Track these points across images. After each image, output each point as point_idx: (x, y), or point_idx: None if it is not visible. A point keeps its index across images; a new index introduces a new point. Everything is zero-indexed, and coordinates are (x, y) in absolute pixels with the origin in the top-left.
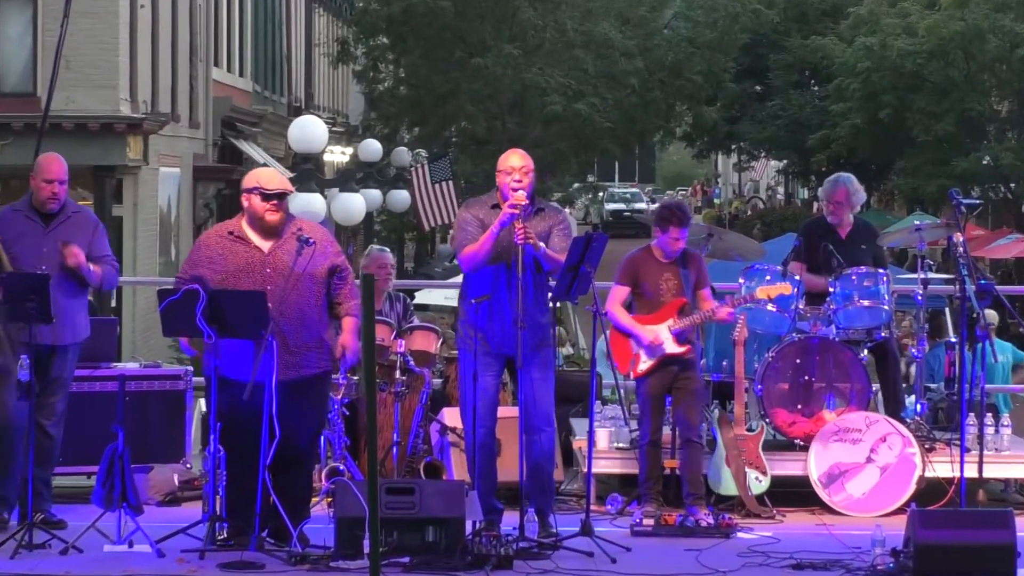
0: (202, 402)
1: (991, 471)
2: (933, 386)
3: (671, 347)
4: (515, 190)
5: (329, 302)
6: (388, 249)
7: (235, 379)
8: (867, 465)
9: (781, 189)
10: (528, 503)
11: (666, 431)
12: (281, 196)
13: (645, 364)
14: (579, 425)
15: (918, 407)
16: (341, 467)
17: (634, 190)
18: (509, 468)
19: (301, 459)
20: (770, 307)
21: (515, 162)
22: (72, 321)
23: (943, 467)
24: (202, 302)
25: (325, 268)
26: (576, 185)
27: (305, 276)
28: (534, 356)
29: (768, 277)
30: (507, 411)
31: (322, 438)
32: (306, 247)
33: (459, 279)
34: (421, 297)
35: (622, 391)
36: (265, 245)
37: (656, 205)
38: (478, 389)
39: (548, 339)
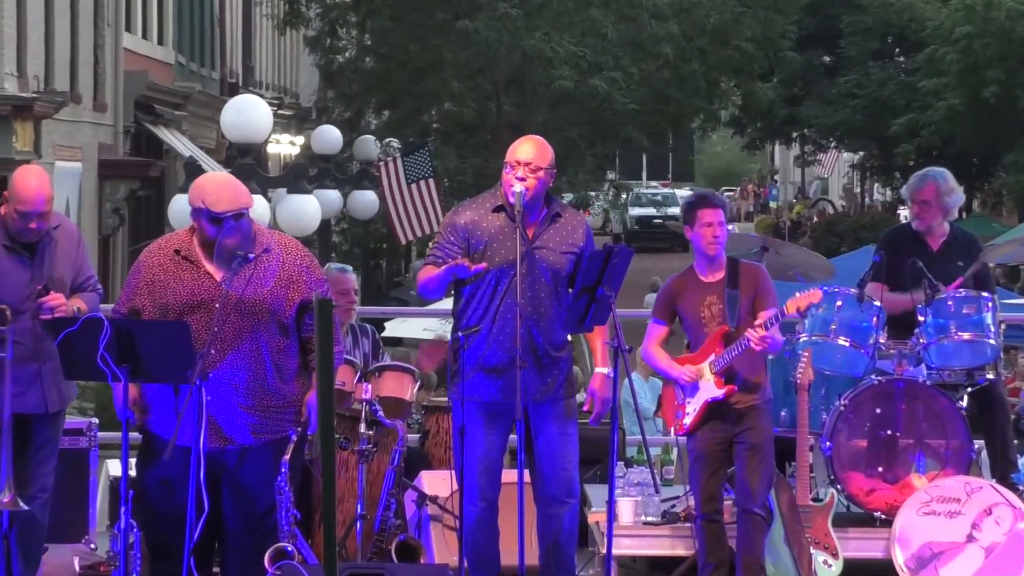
0: (111, 464)
1: None
2: None
3: (711, 390)
4: (518, 183)
5: (301, 345)
6: (350, 268)
7: (161, 434)
8: (968, 545)
9: (857, 189)
10: None
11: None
12: (237, 216)
13: (689, 416)
14: (596, 494)
15: None
16: (290, 548)
17: (667, 191)
18: (508, 549)
19: (260, 525)
20: (842, 341)
21: (523, 154)
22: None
23: None
24: (106, 334)
25: (292, 300)
26: (596, 187)
27: (262, 310)
28: (550, 405)
29: (840, 302)
30: (507, 475)
31: None
32: (244, 264)
33: (441, 304)
34: (392, 328)
35: (651, 450)
36: (219, 272)
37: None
38: (477, 450)
39: (569, 381)
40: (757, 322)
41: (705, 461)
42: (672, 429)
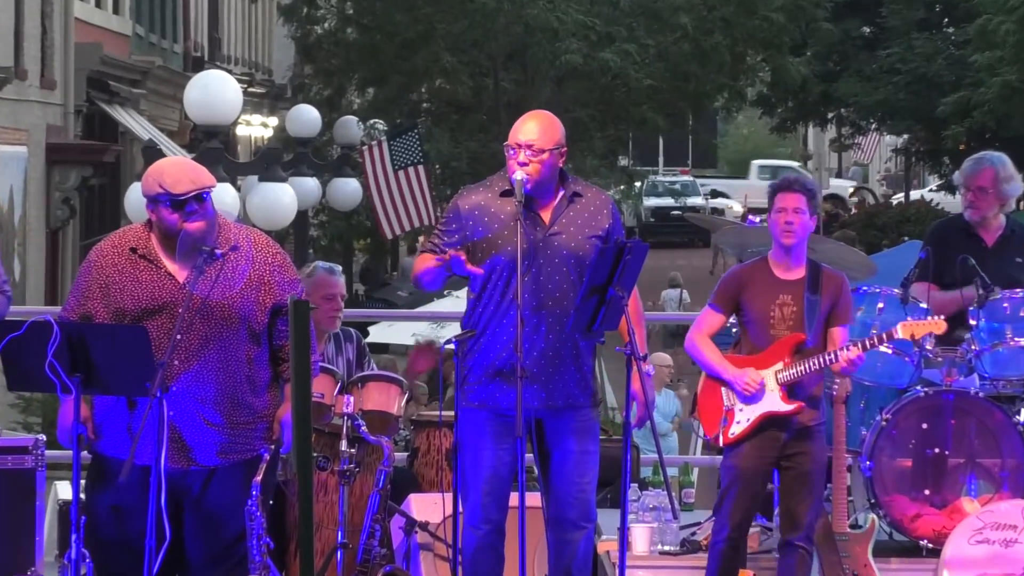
0: (60, 486)
1: None
2: None
3: (774, 403)
4: (518, 170)
5: (273, 354)
6: (338, 268)
7: (114, 455)
8: None
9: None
10: None
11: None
12: (199, 198)
13: (740, 426)
14: (607, 519)
15: None
16: None
17: (686, 179)
18: None
19: (228, 556)
20: (884, 347)
21: (525, 135)
22: None
23: None
24: (55, 339)
25: (264, 304)
26: (606, 174)
27: (231, 315)
28: (571, 416)
29: (881, 304)
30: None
31: None
32: (211, 262)
33: (432, 307)
34: (377, 334)
35: (668, 471)
36: (181, 272)
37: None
38: (484, 467)
39: (590, 394)
40: (862, 339)
41: (746, 480)
42: (714, 437)
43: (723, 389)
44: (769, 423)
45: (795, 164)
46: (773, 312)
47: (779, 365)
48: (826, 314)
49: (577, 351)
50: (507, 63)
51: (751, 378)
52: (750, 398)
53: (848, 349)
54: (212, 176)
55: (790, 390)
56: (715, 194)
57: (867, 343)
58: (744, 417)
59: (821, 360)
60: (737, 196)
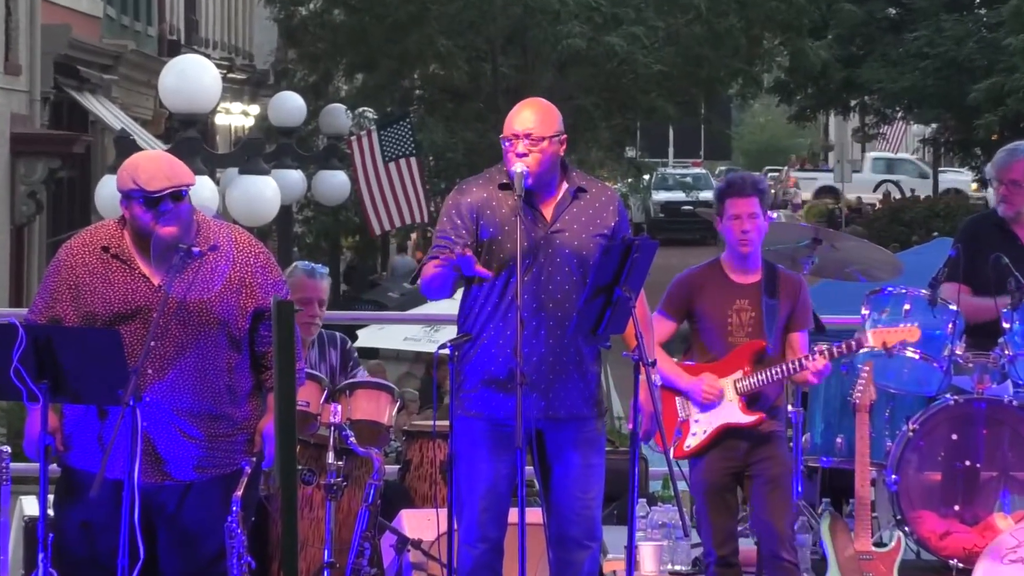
0: (26, 501)
1: None
2: None
3: (734, 414)
4: (518, 162)
5: (254, 361)
6: (323, 270)
7: (84, 467)
8: None
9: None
10: None
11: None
12: (176, 196)
13: (696, 437)
14: (613, 537)
15: None
16: None
17: (698, 171)
18: None
19: (207, 574)
20: (910, 352)
21: (522, 124)
22: None
23: None
24: (21, 343)
25: (246, 307)
26: (613, 167)
27: (210, 319)
28: (574, 427)
29: (908, 306)
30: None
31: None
32: (188, 261)
33: (424, 309)
34: (366, 337)
35: (679, 485)
36: (156, 274)
37: None
38: (482, 481)
39: (598, 399)
40: (819, 347)
41: (716, 493)
42: (671, 448)
43: (677, 399)
44: (727, 434)
45: (910, 156)
46: (731, 318)
47: (738, 374)
48: (785, 319)
49: (580, 357)
50: (506, 47)
51: (709, 385)
52: (707, 407)
53: (814, 359)
54: (191, 173)
55: (750, 400)
56: (823, 192)
57: (835, 351)
58: (701, 429)
59: (784, 369)
60: (853, 193)
